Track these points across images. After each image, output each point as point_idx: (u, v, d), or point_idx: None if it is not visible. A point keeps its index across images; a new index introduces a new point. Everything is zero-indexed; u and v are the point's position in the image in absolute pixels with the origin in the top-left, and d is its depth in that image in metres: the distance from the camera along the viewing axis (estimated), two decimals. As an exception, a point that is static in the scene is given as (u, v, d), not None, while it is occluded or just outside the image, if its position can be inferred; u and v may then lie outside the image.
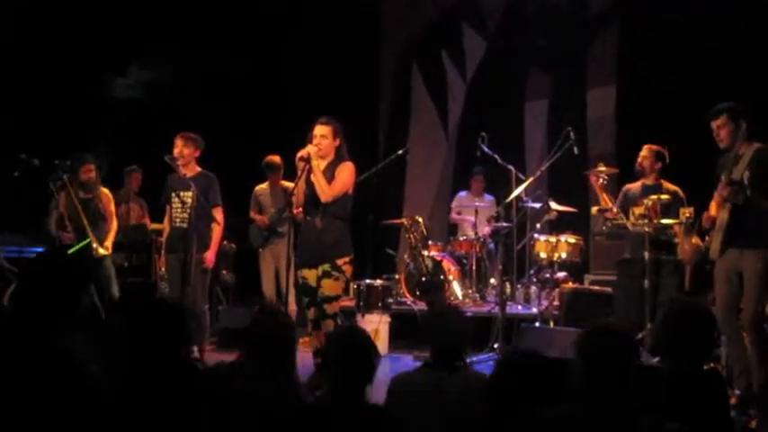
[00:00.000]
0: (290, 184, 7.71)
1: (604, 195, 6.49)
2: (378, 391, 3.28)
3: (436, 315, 3.93)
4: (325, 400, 3.08)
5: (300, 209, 5.68)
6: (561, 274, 7.81)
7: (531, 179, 7.11)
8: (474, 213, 8.81)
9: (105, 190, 7.21)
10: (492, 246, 8.86)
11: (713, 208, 5.45)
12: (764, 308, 5.25)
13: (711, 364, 5.76)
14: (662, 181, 6.51)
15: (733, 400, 5.03)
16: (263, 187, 8.25)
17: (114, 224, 7.18)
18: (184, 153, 6.45)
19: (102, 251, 6.87)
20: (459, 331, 3.55)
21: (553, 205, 7.62)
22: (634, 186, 6.65)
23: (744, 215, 5.15)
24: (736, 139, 5.27)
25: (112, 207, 7.22)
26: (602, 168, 6.62)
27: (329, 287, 5.45)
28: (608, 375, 2.52)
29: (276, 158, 8.12)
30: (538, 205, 7.77)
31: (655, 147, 6.56)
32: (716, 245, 5.30)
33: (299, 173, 5.48)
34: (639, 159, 6.56)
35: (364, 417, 2.88)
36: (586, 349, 2.59)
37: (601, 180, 6.50)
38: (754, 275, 5.12)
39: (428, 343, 3.57)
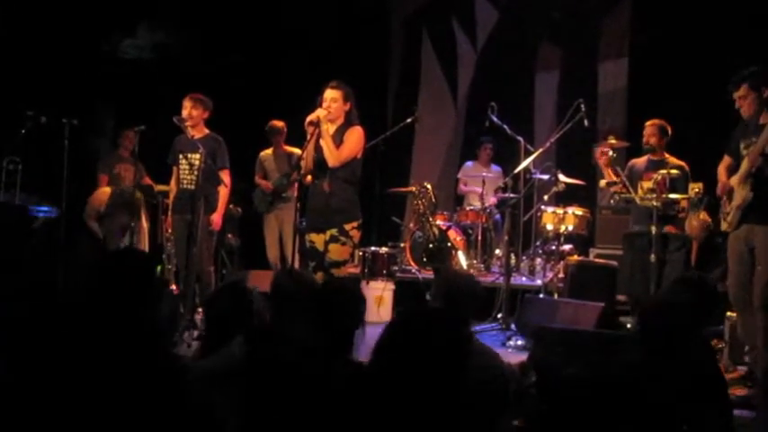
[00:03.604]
0: (293, 150, 7.72)
1: (609, 171, 6.46)
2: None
3: (448, 280, 3.90)
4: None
5: (308, 175, 5.66)
6: (567, 247, 7.79)
7: (539, 151, 7.09)
8: (481, 183, 8.80)
9: None
10: (498, 216, 8.85)
11: (727, 177, 5.22)
12: None
13: (714, 340, 5.80)
14: (666, 156, 6.49)
15: (737, 374, 5.04)
16: (267, 153, 8.26)
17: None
18: (193, 114, 6.43)
19: None
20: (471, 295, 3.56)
21: (561, 177, 7.58)
22: (640, 161, 6.63)
23: (765, 190, 4.96)
24: (760, 108, 5.06)
25: None
26: (613, 141, 6.60)
27: (336, 252, 5.45)
28: None
29: (279, 123, 8.13)
30: (546, 177, 7.74)
31: (658, 121, 6.52)
32: (732, 219, 5.09)
33: (309, 137, 5.45)
34: (646, 137, 6.52)
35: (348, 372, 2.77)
36: None
37: (605, 156, 6.44)
38: (765, 253, 4.94)
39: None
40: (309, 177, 5.66)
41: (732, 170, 5.23)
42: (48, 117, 6.76)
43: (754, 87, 5.05)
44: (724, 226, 5.22)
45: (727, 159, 5.33)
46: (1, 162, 7.61)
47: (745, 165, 5.06)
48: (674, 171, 6.04)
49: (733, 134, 5.29)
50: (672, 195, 6.00)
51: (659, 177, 6.02)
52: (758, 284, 4.98)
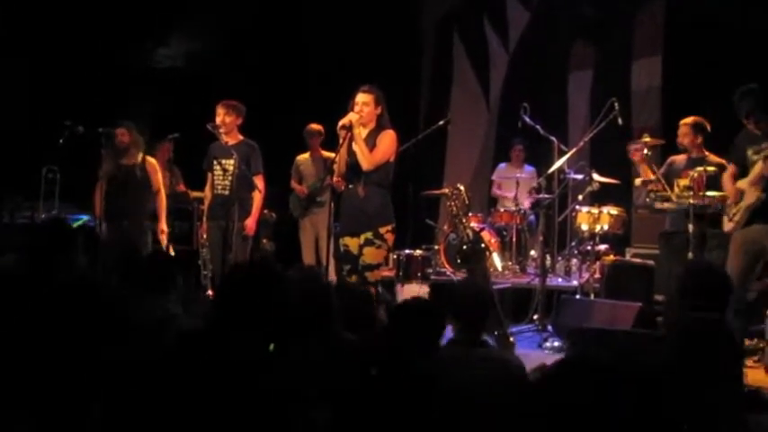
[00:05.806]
0: (330, 154, 7.73)
1: (645, 167, 6.39)
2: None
3: (465, 289, 3.90)
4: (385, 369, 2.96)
5: (339, 178, 5.67)
6: (603, 247, 7.72)
7: (573, 150, 7.03)
8: (515, 185, 8.76)
9: (151, 159, 6.97)
10: (532, 217, 8.80)
11: (733, 184, 5.57)
12: None
13: (755, 340, 5.72)
14: (706, 153, 6.38)
15: None
16: (304, 157, 8.29)
17: (163, 195, 6.94)
18: (226, 121, 6.49)
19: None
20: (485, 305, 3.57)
21: (596, 177, 7.52)
22: (679, 158, 6.54)
23: None
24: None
25: (159, 177, 6.94)
26: (647, 139, 6.51)
27: (371, 255, 5.45)
28: None
29: (317, 126, 8.15)
30: (580, 177, 7.67)
31: (690, 120, 6.42)
32: (740, 219, 5.39)
33: (341, 141, 5.47)
34: (680, 138, 6.44)
35: (416, 386, 2.79)
36: None
37: (638, 153, 6.39)
38: None
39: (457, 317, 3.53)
40: (339, 182, 5.64)
41: (738, 176, 5.57)
42: (84, 126, 6.86)
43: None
44: (729, 226, 5.48)
45: (731, 168, 5.66)
46: (40, 171, 7.75)
47: (757, 169, 5.34)
48: (710, 168, 5.96)
49: (736, 143, 5.60)
50: (709, 193, 5.92)
51: (696, 175, 5.95)
52: None
